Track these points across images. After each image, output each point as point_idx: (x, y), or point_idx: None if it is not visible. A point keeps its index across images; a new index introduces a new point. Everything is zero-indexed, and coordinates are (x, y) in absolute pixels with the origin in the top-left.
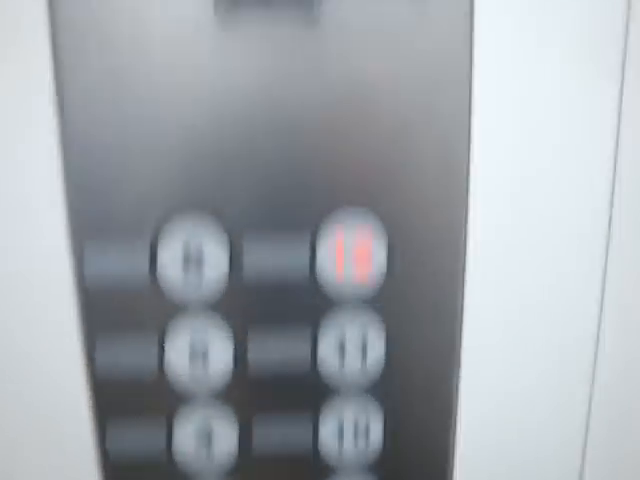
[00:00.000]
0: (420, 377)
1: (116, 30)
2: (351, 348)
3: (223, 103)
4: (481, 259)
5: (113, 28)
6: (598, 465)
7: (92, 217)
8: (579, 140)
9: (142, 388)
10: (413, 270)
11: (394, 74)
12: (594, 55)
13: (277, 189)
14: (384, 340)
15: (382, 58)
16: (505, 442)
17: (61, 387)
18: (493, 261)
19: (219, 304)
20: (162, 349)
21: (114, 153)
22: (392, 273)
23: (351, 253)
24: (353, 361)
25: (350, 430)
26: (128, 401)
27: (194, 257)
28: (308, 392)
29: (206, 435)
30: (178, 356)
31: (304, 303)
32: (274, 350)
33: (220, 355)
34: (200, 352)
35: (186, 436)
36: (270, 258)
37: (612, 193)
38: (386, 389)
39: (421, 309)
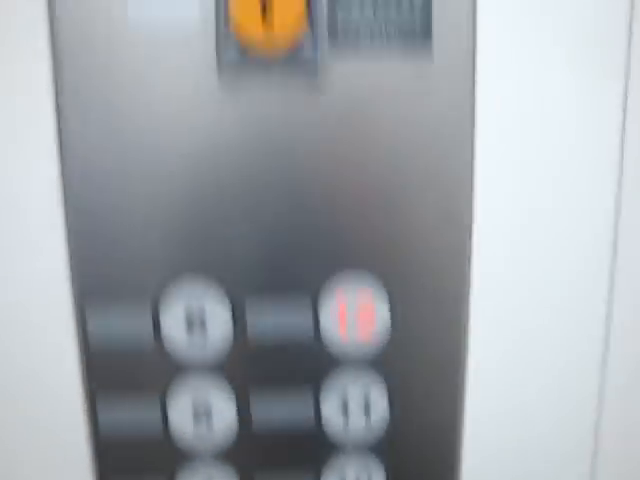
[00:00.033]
0: (424, 435)
1: (120, 92)
2: (354, 407)
3: (225, 166)
4: (483, 317)
5: (116, 90)
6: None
7: (95, 279)
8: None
9: (146, 448)
10: (415, 329)
11: (395, 137)
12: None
13: (279, 252)
14: (387, 398)
15: (383, 121)
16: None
17: (65, 449)
18: (495, 318)
19: (222, 365)
20: (165, 409)
21: (117, 216)
22: (395, 332)
23: (354, 314)
24: (357, 420)
25: None
26: (132, 462)
27: (197, 319)
28: (312, 450)
29: None
30: (182, 416)
31: (307, 363)
32: (278, 410)
33: (224, 415)
34: (203, 412)
35: None
36: (273, 319)
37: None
38: (390, 447)
39: (424, 367)
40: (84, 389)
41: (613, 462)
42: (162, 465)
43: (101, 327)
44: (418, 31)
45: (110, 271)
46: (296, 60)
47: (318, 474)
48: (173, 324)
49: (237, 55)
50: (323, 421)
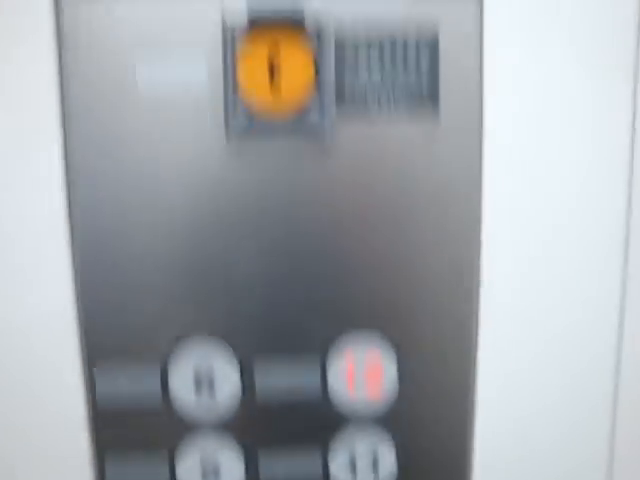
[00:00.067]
0: None
1: (128, 155)
2: (362, 465)
3: (233, 228)
4: (490, 377)
5: (124, 153)
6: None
7: (104, 338)
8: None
9: None
10: (423, 387)
11: (403, 199)
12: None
13: (287, 311)
14: (395, 457)
15: (391, 183)
16: None
17: None
18: (503, 375)
19: (231, 424)
20: (174, 469)
21: (126, 276)
22: (402, 391)
23: (362, 373)
24: (365, 478)
25: None
26: None
27: (205, 379)
28: None
29: None
30: (190, 475)
31: (315, 422)
32: (286, 468)
33: (232, 474)
34: (212, 471)
35: None
36: (281, 379)
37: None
38: None
39: (431, 426)
40: (92, 449)
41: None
42: None
43: (109, 386)
44: (425, 94)
45: (119, 331)
46: (304, 124)
47: None
48: (182, 384)
49: (245, 119)
50: (332, 479)
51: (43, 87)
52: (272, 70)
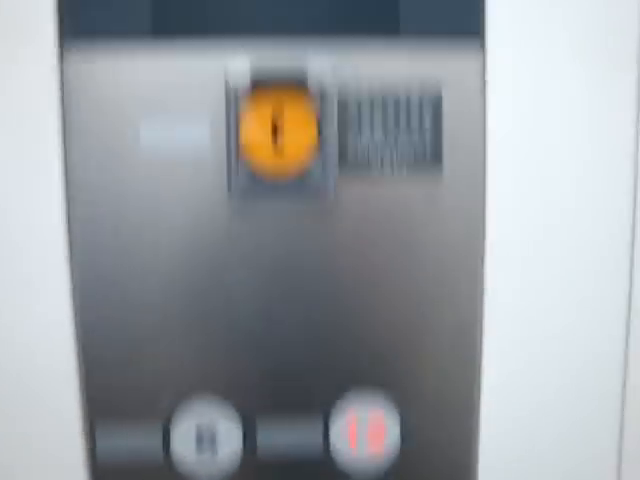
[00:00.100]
0: None
1: (130, 213)
2: None
3: (235, 287)
4: (492, 437)
5: (126, 211)
6: None
7: (106, 395)
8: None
9: None
10: (425, 446)
11: (405, 259)
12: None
13: (290, 370)
14: None
15: (393, 243)
16: None
17: None
18: (505, 435)
19: None
20: None
21: (129, 335)
22: (405, 449)
23: (364, 432)
24: None
25: None
26: None
27: (207, 437)
28: None
29: None
30: None
31: (318, 479)
32: None
33: None
34: None
35: None
36: (283, 437)
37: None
38: None
39: None
40: None
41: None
42: None
43: (110, 444)
44: (429, 153)
45: (121, 388)
46: (306, 185)
47: None
48: (183, 441)
49: (247, 180)
50: None
51: (46, 144)
52: (275, 131)
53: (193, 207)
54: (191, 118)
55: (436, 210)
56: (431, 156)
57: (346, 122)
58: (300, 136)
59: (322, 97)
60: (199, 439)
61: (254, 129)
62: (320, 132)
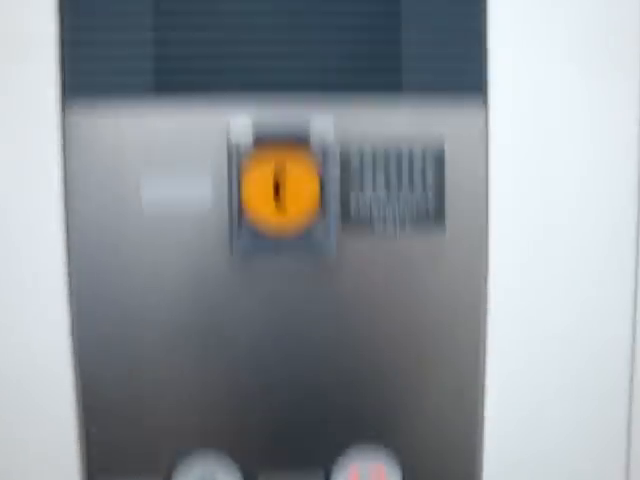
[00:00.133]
0: None
1: (131, 271)
2: None
3: (237, 342)
4: None
5: (127, 268)
6: None
7: (106, 450)
8: None
9: None
10: None
11: (407, 314)
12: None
13: (291, 426)
14: None
15: (395, 298)
16: None
17: None
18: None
19: None
20: None
21: (131, 389)
22: None
23: None
24: None
25: None
26: None
27: None
28: None
29: None
30: None
31: None
32: None
33: None
34: None
35: None
36: None
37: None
38: None
39: None
40: None
41: None
42: None
43: None
44: (431, 211)
45: (121, 443)
46: (308, 243)
47: None
48: None
49: (249, 237)
50: None
51: (48, 201)
52: (277, 188)
53: (195, 264)
54: (193, 174)
55: (439, 267)
56: (434, 212)
57: (349, 179)
58: (302, 193)
59: (324, 154)
60: None
61: (256, 186)
62: (322, 189)
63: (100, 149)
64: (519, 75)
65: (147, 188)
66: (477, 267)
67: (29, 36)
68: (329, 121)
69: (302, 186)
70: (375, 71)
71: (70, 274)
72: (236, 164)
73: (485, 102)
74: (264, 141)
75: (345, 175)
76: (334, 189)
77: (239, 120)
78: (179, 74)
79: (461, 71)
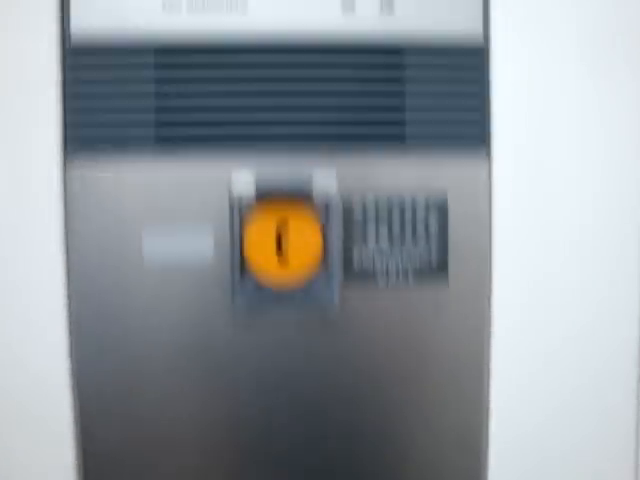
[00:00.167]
0: None
1: (131, 325)
2: None
3: (239, 394)
4: None
5: (128, 322)
6: None
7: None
8: None
9: None
10: None
11: (409, 367)
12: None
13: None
14: None
15: (397, 351)
16: None
17: None
18: None
19: None
20: None
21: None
22: None
23: None
24: None
25: None
26: None
27: None
28: None
29: None
30: None
31: None
32: None
33: None
34: None
35: None
36: None
37: None
38: None
39: None
40: None
41: None
42: None
43: None
44: (435, 263)
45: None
46: (310, 296)
47: None
48: None
49: (251, 290)
50: None
51: (48, 254)
52: (279, 242)
53: (196, 316)
54: (195, 228)
55: (442, 318)
56: (437, 264)
57: (351, 232)
58: (305, 247)
59: (327, 207)
60: None
61: (258, 240)
62: (325, 242)
63: (100, 202)
64: (522, 127)
65: (148, 241)
66: (480, 317)
67: (31, 89)
68: (331, 175)
69: (304, 239)
70: (378, 124)
71: (71, 332)
72: (238, 217)
73: (488, 154)
74: (266, 194)
75: (348, 227)
76: (337, 242)
77: (241, 173)
78: (180, 127)
79: (464, 123)
